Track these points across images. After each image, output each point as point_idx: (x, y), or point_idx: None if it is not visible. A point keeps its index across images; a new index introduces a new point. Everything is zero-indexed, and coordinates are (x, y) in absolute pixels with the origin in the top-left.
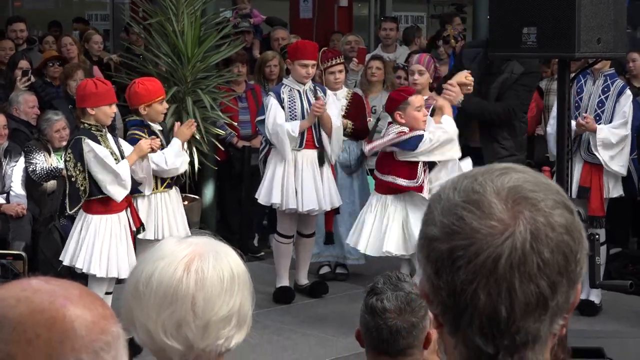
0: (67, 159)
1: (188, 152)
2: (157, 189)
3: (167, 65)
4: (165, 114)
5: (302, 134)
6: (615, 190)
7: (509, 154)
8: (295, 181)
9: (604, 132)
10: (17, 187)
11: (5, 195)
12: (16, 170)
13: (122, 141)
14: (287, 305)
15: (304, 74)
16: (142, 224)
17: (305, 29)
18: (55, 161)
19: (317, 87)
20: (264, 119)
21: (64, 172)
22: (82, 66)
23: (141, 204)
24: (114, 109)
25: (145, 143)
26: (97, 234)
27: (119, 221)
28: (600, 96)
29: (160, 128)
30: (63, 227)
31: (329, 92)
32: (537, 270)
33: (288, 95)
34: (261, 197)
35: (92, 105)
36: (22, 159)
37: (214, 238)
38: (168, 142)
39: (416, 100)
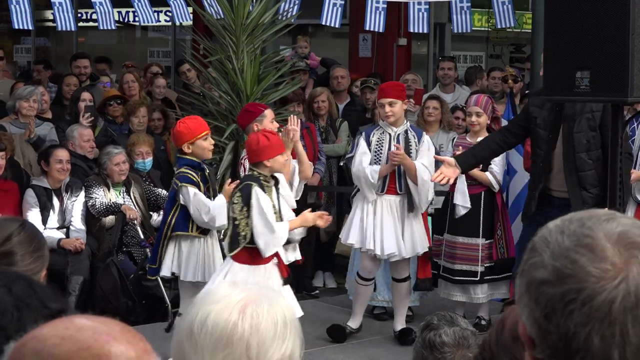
0: (235, 201)
1: None
2: (192, 232)
3: (226, 102)
4: (224, 149)
5: (384, 178)
6: None
7: (596, 203)
8: (374, 225)
9: None
10: (77, 221)
11: (65, 229)
12: (76, 205)
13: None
14: (340, 345)
15: (382, 113)
16: (289, 275)
17: (364, 68)
18: (114, 196)
19: (410, 131)
20: (352, 157)
21: (230, 213)
22: (145, 103)
23: (184, 245)
24: (285, 156)
25: (312, 216)
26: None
27: (265, 272)
28: None
29: (208, 171)
30: (121, 263)
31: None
32: None
33: (377, 137)
34: (343, 235)
35: (268, 158)
36: (82, 194)
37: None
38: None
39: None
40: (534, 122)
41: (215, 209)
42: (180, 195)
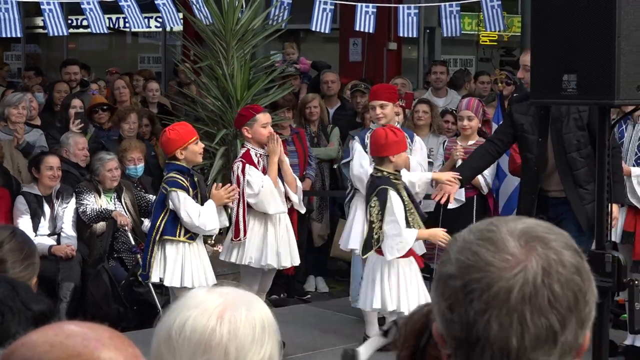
0: (373, 205)
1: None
2: (179, 237)
3: (217, 108)
4: (215, 155)
5: None
6: None
7: (594, 198)
8: None
9: (638, 170)
10: (67, 228)
11: (56, 236)
12: (67, 212)
13: None
14: (332, 348)
15: (373, 115)
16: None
17: (355, 72)
18: (105, 202)
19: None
20: (348, 162)
21: (368, 216)
22: (135, 109)
23: (169, 250)
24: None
25: (441, 233)
26: (402, 275)
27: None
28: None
29: (197, 177)
30: (112, 269)
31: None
32: (547, 304)
33: None
34: (342, 242)
35: (394, 153)
36: (73, 200)
37: (241, 288)
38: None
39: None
40: (520, 129)
41: (205, 214)
42: (170, 200)
